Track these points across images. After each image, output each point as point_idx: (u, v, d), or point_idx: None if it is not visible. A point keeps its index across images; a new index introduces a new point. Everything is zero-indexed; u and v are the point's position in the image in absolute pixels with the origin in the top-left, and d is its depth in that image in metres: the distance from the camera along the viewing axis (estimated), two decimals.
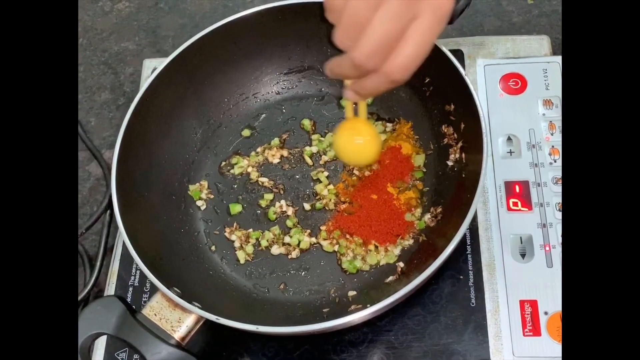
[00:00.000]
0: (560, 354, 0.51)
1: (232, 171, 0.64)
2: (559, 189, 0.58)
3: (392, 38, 0.39)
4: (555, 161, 0.60)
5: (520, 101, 0.63)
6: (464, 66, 0.66)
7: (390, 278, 0.55)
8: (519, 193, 0.59)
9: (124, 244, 0.52)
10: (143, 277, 0.59)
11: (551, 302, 0.53)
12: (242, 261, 0.59)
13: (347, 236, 0.58)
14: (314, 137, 0.65)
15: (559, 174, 0.59)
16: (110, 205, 0.63)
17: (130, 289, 0.59)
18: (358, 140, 0.53)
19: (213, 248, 0.60)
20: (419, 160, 0.61)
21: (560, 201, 0.57)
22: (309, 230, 0.60)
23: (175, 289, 0.50)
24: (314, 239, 0.59)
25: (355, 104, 0.51)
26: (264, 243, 0.59)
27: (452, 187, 0.57)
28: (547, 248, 0.56)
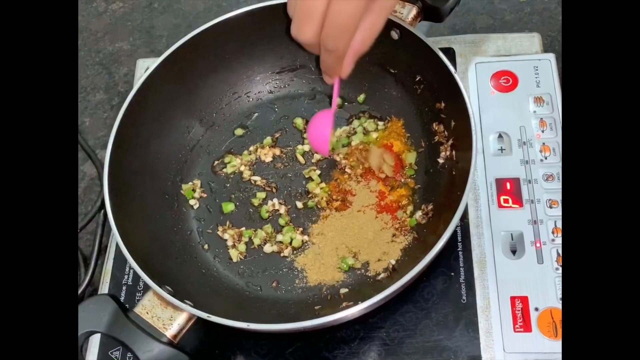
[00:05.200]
0: (550, 349, 0.52)
1: (224, 170, 0.64)
2: (549, 186, 0.58)
3: (313, 8, 0.42)
4: (546, 158, 0.60)
5: (511, 99, 0.64)
6: (455, 64, 0.67)
7: (382, 275, 0.56)
8: (509, 190, 0.59)
9: (117, 243, 0.52)
10: (136, 276, 0.59)
11: (542, 298, 0.54)
12: (234, 259, 0.59)
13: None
14: (306, 135, 0.65)
15: (550, 171, 0.59)
16: (104, 205, 0.63)
17: (124, 287, 0.60)
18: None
19: (206, 247, 0.60)
20: (410, 158, 0.61)
21: (551, 198, 0.58)
22: (301, 229, 0.60)
23: (167, 287, 0.50)
24: (306, 237, 0.59)
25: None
26: (256, 241, 0.60)
27: (443, 185, 0.57)
28: (538, 244, 0.56)
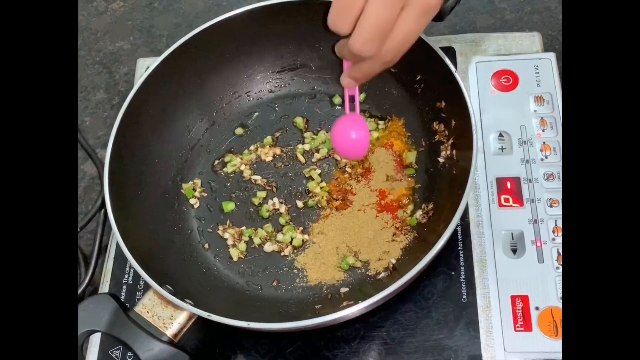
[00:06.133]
0: (550, 348, 0.51)
1: (225, 169, 0.64)
2: (550, 185, 0.58)
3: (384, 26, 0.42)
4: (546, 157, 0.60)
5: (512, 98, 0.64)
6: (456, 63, 0.67)
7: (382, 274, 0.56)
8: (510, 189, 0.59)
9: (117, 242, 0.52)
10: (137, 275, 0.59)
11: (542, 298, 0.54)
12: (235, 259, 0.59)
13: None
14: (307, 134, 0.65)
15: (550, 170, 0.59)
16: (104, 204, 0.63)
17: (125, 287, 0.60)
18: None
19: (206, 246, 0.60)
20: (410, 157, 0.61)
21: (551, 197, 0.58)
22: (301, 228, 0.60)
23: (168, 286, 0.50)
24: (306, 236, 0.59)
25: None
26: (256, 241, 0.60)
27: (444, 184, 0.57)
28: (539, 244, 0.56)
